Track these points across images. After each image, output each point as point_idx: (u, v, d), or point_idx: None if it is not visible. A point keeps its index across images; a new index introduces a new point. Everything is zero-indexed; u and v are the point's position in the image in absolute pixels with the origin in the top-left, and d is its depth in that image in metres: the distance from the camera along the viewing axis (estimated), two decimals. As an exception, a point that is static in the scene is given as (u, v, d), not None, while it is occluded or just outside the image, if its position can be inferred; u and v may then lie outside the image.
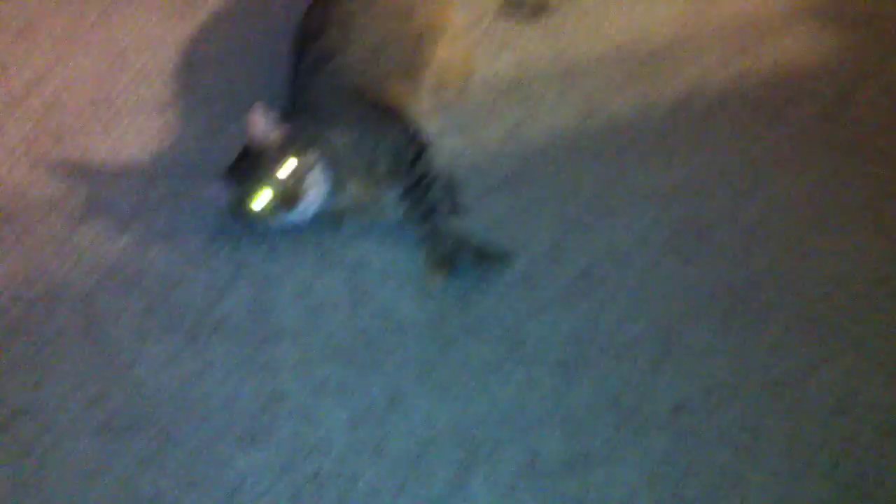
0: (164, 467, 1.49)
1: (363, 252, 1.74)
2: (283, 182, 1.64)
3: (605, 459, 1.52)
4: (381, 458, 1.52)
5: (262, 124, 1.64)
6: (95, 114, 1.92)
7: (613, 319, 1.68)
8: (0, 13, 2.12)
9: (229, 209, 1.68)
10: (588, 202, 1.83)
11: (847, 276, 1.74)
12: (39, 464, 1.49)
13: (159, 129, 1.91)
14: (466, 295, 1.70)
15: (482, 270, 1.71)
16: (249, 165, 1.66)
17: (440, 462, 1.51)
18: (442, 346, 1.63)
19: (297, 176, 1.65)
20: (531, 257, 1.74)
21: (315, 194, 1.68)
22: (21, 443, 1.50)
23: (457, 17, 2.02)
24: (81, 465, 1.49)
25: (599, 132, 1.96)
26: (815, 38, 2.11)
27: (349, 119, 1.77)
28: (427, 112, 1.87)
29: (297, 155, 1.65)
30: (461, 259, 1.70)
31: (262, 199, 1.64)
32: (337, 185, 1.72)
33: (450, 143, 1.90)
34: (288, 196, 1.64)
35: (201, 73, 2.03)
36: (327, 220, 1.74)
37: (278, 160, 1.65)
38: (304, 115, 1.78)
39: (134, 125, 1.91)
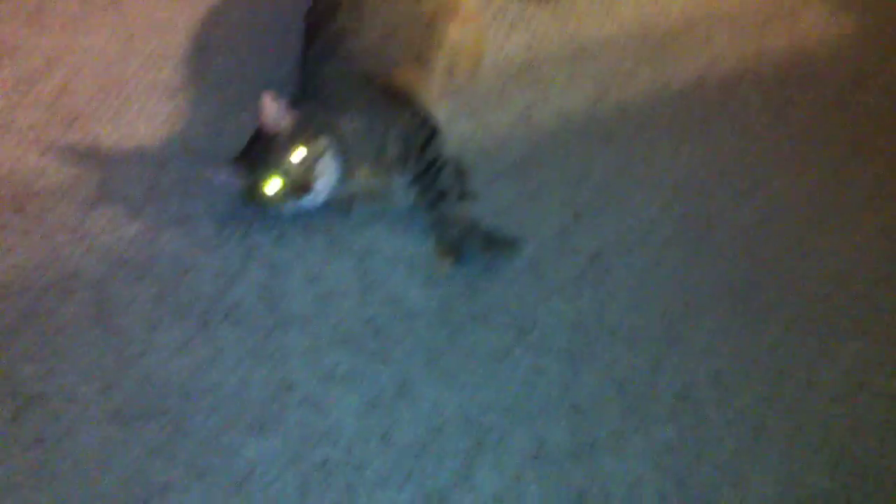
0: (175, 456, 1.51)
1: (372, 238, 1.75)
2: (294, 169, 1.64)
3: (610, 448, 1.53)
4: (389, 447, 1.53)
5: (273, 111, 1.64)
6: (105, 99, 1.92)
7: (620, 308, 1.68)
8: (10, -3, 2.12)
9: (241, 195, 1.68)
10: (596, 189, 1.83)
11: (850, 269, 1.74)
12: (52, 452, 1.50)
13: (169, 114, 1.91)
14: (474, 282, 1.70)
15: (490, 257, 1.71)
16: (260, 152, 1.66)
17: (447, 450, 1.52)
18: (450, 334, 1.64)
19: (308, 163, 1.65)
20: (539, 244, 1.74)
21: (325, 181, 1.68)
22: (34, 430, 1.52)
23: (469, -2, 2.00)
24: (93, 453, 1.50)
25: (609, 116, 1.96)
26: (827, 22, 2.10)
27: (359, 105, 1.77)
28: (437, 96, 1.87)
29: (307, 142, 1.66)
30: (469, 246, 1.71)
31: (272, 187, 1.64)
32: (347, 172, 1.72)
33: (459, 127, 1.90)
34: (298, 183, 1.65)
35: (211, 57, 2.02)
36: (337, 206, 1.74)
37: (289, 147, 1.65)
38: (314, 101, 1.77)
39: (144, 110, 1.91)
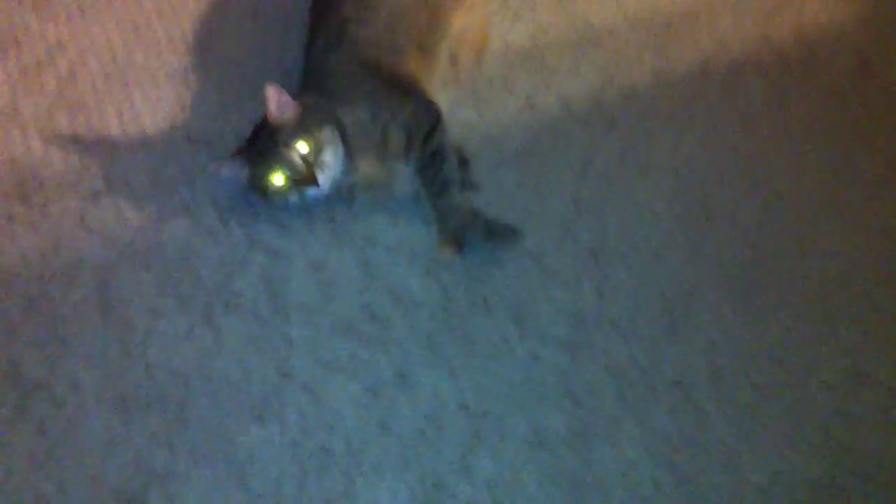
0: (177, 444, 1.53)
1: (374, 228, 1.76)
2: (298, 163, 1.66)
3: (606, 436, 1.55)
4: (388, 434, 1.55)
5: (277, 103, 1.65)
6: (109, 89, 1.93)
7: (619, 299, 1.70)
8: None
9: (247, 187, 1.70)
10: (598, 178, 1.84)
11: (850, 261, 1.74)
12: (56, 440, 1.52)
13: (174, 102, 1.92)
14: (475, 271, 1.72)
15: (491, 247, 1.72)
16: (264, 145, 1.67)
17: (445, 438, 1.54)
18: (449, 323, 1.66)
19: (312, 157, 1.66)
20: (540, 233, 1.76)
21: (329, 174, 1.69)
22: (38, 419, 1.54)
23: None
24: (97, 441, 1.53)
25: (613, 104, 1.97)
26: (832, 10, 2.10)
27: (363, 95, 1.77)
28: (441, 85, 1.87)
29: (311, 135, 1.67)
30: (471, 235, 1.72)
31: (277, 180, 1.66)
32: (350, 162, 1.73)
33: (463, 115, 1.91)
34: (303, 177, 1.66)
35: (216, 45, 2.03)
36: (339, 195, 1.75)
37: (292, 141, 1.66)
38: (318, 91, 1.78)
39: (148, 99, 1.92)
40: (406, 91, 1.80)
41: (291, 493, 1.49)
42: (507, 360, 1.62)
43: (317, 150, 1.66)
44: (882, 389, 1.60)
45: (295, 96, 1.71)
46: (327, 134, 1.68)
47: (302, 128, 1.66)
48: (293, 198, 1.69)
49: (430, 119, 1.77)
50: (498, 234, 1.73)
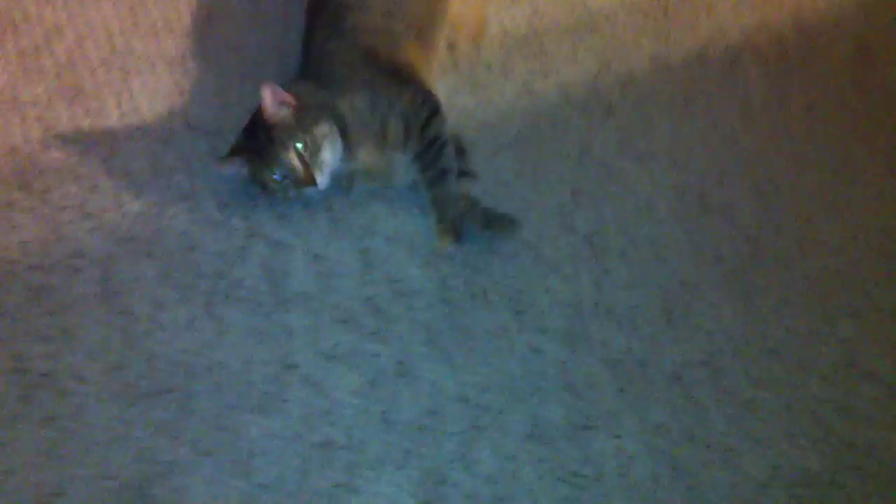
0: (180, 435, 1.54)
1: (372, 217, 1.77)
2: (296, 165, 1.66)
3: (604, 428, 1.57)
4: (389, 426, 1.57)
5: (273, 103, 1.65)
6: (108, 73, 1.93)
7: (616, 288, 1.72)
8: (12, -34, 2.11)
9: (248, 180, 1.71)
10: (595, 165, 1.85)
11: (848, 245, 1.75)
12: (61, 430, 1.54)
13: (172, 87, 1.92)
14: (473, 261, 1.73)
15: (489, 236, 1.73)
16: (261, 145, 1.67)
17: (446, 430, 1.56)
18: (448, 313, 1.67)
19: (309, 157, 1.67)
20: (538, 223, 1.77)
21: (327, 173, 1.70)
22: (43, 409, 1.55)
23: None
24: (102, 431, 1.54)
25: (610, 89, 1.98)
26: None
27: (361, 83, 1.77)
28: (440, 72, 1.88)
29: (307, 133, 1.67)
30: (469, 224, 1.73)
31: (275, 179, 1.67)
32: (348, 152, 1.74)
33: (461, 101, 1.91)
34: (300, 178, 1.67)
35: (214, 28, 2.03)
36: (338, 184, 1.75)
37: (289, 142, 1.66)
38: (316, 79, 1.78)
39: (146, 85, 1.92)
40: (404, 79, 1.80)
41: (295, 484, 1.51)
42: (506, 353, 1.63)
43: (314, 148, 1.67)
44: (881, 384, 1.63)
45: (292, 83, 1.71)
46: (324, 130, 1.68)
47: (299, 127, 1.66)
48: (292, 194, 1.69)
49: (428, 108, 1.78)
50: (496, 223, 1.74)
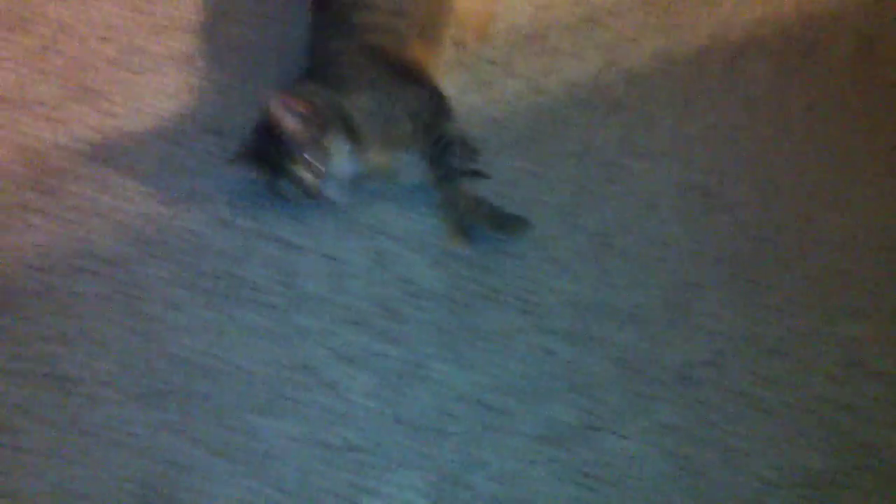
0: (196, 435, 1.57)
1: (382, 216, 1.80)
2: (307, 178, 1.69)
3: (613, 429, 1.61)
4: (402, 427, 1.60)
5: (282, 115, 1.66)
6: (117, 72, 1.94)
7: (622, 286, 1.74)
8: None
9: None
10: (601, 163, 1.88)
11: (849, 248, 1.78)
12: (77, 431, 1.57)
13: (180, 85, 1.94)
14: (482, 261, 1.76)
15: (499, 236, 1.76)
16: (272, 157, 1.69)
17: (458, 431, 1.60)
18: (458, 314, 1.70)
19: (319, 170, 1.69)
20: (545, 221, 1.79)
21: (337, 185, 1.73)
22: (58, 410, 1.58)
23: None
24: (117, 432, 1.57)
25: (616, 85, 1.99)
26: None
27: (369, 83, 1.79)
28: (446, 69, 1.89)
29: (318, 146, 1.69)
30: (477, 224, 1.75)
31: (284, 188, 1.70)
32: (357, 153, 1.75)
33: (467, 99, 1.93)
34: (311, 192, 1.70)
35: (221, 25, 2.04)
36: (349, 184, 1.77)
37: (300, 156, 1.68)
38: (323, 79, 1.80)
39: (155, 83, 1.93)
40: (412, 77, 1.82)
41: (310, 485, 1.54)
42: (516, 353, 1.66)
43: (323, 159, 1.69)
44: (886, 382, 1.65)
45: (298, 83, 1.74)
46: (333, 139, 1.70)
47: (308, 137, 1.68)
48: (303, 200, 1.71)
49: (436, 106, 1.80)
50: (506, 223, 1.76)
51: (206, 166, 1.83)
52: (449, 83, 1.88)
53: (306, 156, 1.67)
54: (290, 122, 1.66)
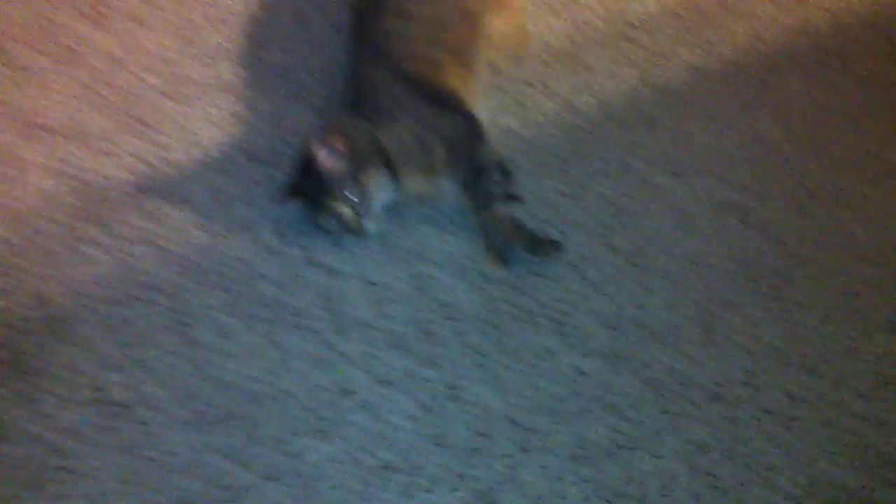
0: (250, 460, 1.65)
1: (422, 241, 1.86)
2: (347, 214, 1.77)
3: (647, 448, 1.65)
4: (442, 448, 1.66)
5: (325, 157, 1.73)
6: (165, 104, 2.02)
7: (657, 306, 1.79)
8: (74, -4, 2.21)
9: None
10: (637, 182, 1.93)
11: (891, 258, 1.80)
12: (138, 458, 1.64)
13: (229, 115, 2.02)
14: (519, 283, 1.81)
15: (534, 258, 1.81)
16: (315, 193, 1.77)
17: (495, 452, 1.65)
18: (496, 336, 1.76)
19: (360, 207, 1.77)
20: (581, 242, 1.85)
21: (377, 222, 1.81)
22: (121, 438, 1.66)
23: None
24: (177, 458, 1.65)
25: (650, 102, 2.03)
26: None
27: (407, 114, 1.85)
28: (482, 94, 1.95)
29: (358, 185, 1.76)
30: (514, 247, 1.81)
31: (327, 225, 1.79)
32: (396, 183, 1.82)
33: (504, 121, 1.99)
34: (350, 227, 1.78)
35: (266, 53, 2.12)
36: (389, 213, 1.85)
37: (340, 194, 1.76)
38: (363, 110, 1.87)
39: (205, 113, 2.01)
40: (448, 106, 1.87)
41: (351, 506, 1.61)
42: (551, 374, 1.72)
43: (364, 197, 1.76)
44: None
45: (341, 119, 1.84)
46: (374, 177, 1.77)
47: (350, 176, 1.75)
48: (344, 234, 1.80)
49: (472, 134, 1.86)
50: (542, 248, 1.81)
51: (253, 195, 1.91)
52: (485, 106, 1.93)
53: (346, 193, 1.73)
54: (329, 161, 1.73)
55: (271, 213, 1.87)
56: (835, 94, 2.01)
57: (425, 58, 1.91)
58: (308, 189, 1.77)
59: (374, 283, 1.81)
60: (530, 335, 1.75)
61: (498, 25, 2.00)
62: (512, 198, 1.86)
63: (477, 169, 1.83)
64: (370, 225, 1.77)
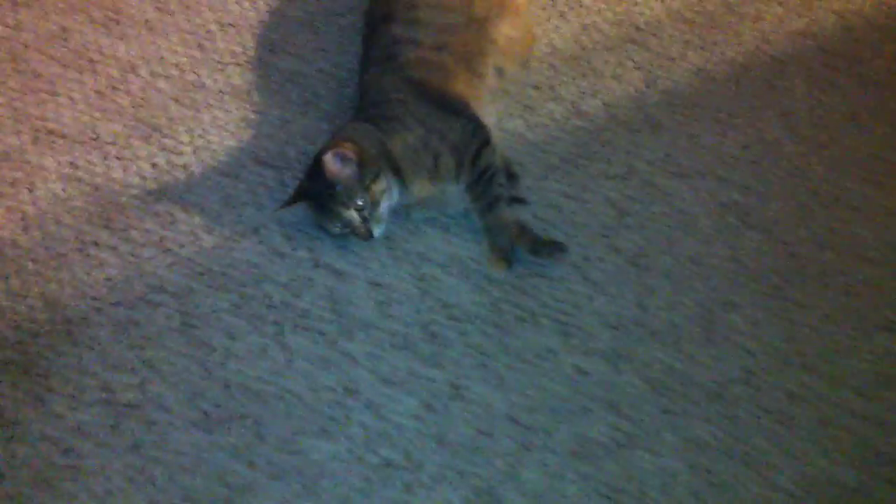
0: (255, 459, 1.67)
1: (427, 244, 1.89)
2: (355, 219, 1.80)
3: (647, 446, 1.67)
4: (444, 447, 1.68)
5: (334, 168, 1.77)
6: (180, 110, 2.06)
7: (659, 307, 1.80)
8: (88, 4, 2.25)
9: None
10: (641, 184, 1.95)
11: (891, 258, 1.81)
12: (146, 457, 1.67)
13: (239, 121, 2.06)
14: (522, 284, 1.84)
15: (538, 260, 1.84)
16: (323, 200, 1.81)
17: (497, 450, 1.67)
18: (499, 337, 1.78)
19: (368, 212, 1.80)
20: (584, 244, 1.87)
21: (384, 226, 1.85)
22: (131, 438, 1.69)
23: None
24: (184, 457, 1.68)
25: (656, 105, 2.05)
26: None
27: (414, 120, 1.89)
28: (490, 98, 1.98)
29: (367, 190, 1.79)
30: (519, 249, 1.84)
31: (334, 229, 1.82)
32: (403, 188, 1.86)
33: (510, 124, 2.01)
34: (358, 232, 1.81)
35: (276, 59, 2.16)
36: (395, 215, 1.88)
37: (350, 201, 1.79)
38: (370, 119, 1.90)
39: (216, 120, 2.05)
40: (455, 112, 1.91)
41: (353, 503, 1.64)
42: (553, 373, 1.74)
43: (373, 204, 1.79)
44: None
45: (349, 126, 1.88)
46: (383, 186, 1.81)
47: (359, 185, 1.78)
48: (352, 239, 1.84)
49: (478, 139, 1.88)
50: (545, 250, 1.84)
51: (263, 199, 1.94)
52: (492, 110, 1.96)
53: (357, 200, 1.77)
54: (337, 166, 1.76)
55: (282, 217, 1.91)
56: (840, 96, 2.02)
57: (434, 64, 1.94)
58: (316, 194, 1.80)
59: (380, 285, 1.84)
60: (532, 335, 1.77)
61: (505, 30, 2.03)
62: (516, 200, 1.88)
63: (482, 173, 1.86)
64: (377, 230, 1.80)
